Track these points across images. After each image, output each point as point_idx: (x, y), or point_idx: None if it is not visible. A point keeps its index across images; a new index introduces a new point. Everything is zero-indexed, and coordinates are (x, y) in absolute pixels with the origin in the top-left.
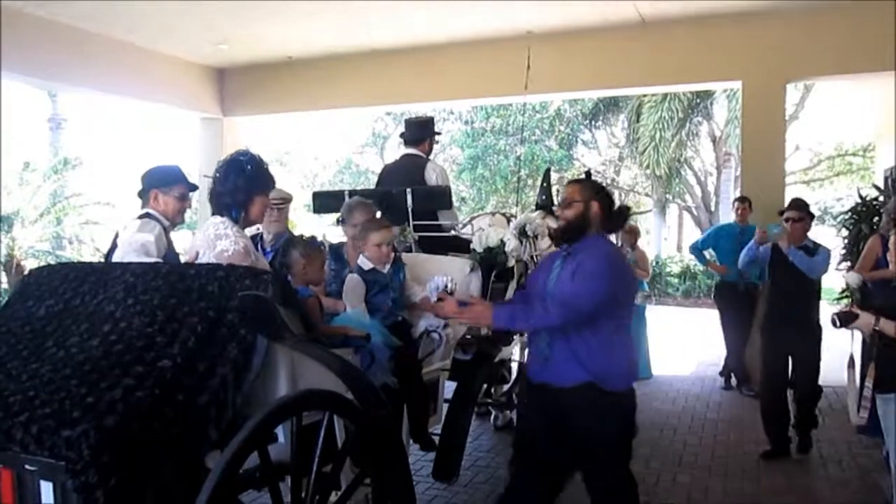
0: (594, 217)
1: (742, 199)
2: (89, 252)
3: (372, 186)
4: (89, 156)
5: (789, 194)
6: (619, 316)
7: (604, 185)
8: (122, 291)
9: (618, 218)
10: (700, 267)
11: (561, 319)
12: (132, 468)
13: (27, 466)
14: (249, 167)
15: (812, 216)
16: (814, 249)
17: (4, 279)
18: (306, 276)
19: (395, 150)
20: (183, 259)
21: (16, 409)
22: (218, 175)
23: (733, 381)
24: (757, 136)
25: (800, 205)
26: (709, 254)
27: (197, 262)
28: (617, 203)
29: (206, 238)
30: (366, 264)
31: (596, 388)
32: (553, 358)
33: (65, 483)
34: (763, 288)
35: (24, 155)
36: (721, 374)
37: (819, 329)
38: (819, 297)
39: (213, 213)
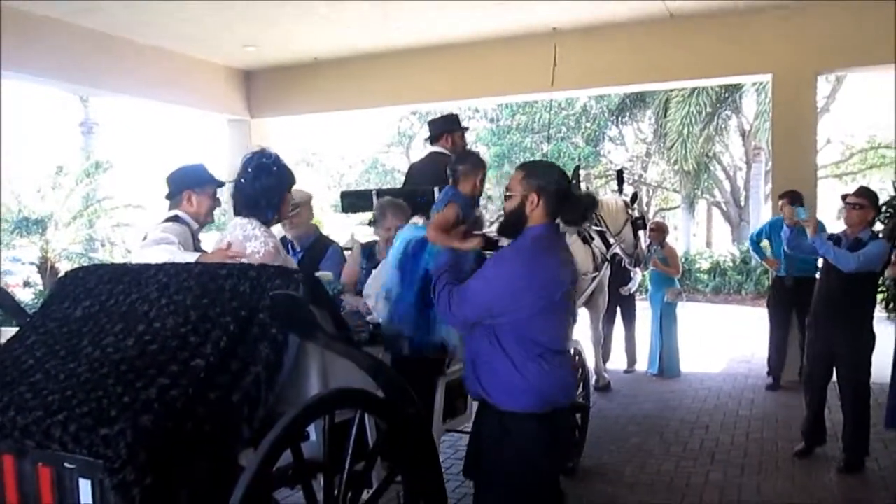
0: (531, 210)
1: (782, 195)
2: (121, 254)
3: (398, 185)
4: (120, 159)
5: (821, 189)
6: (522, 329)
7: (558, 169)
8: (156, 292)
9: (570, 209)
10: (730, 263)
11: (446, 315)
12: (167, 466)
13: (66, 464)
14: (276, 167)
15: (877, 207)
16: (865, 242)
17: (40, 281)
18: None
19: (421, 148)
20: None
21: (54, 408)
22: (244, 179)
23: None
24: (787, 130)
25: (863, 192)
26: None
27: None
28: (583, 192)
29: (235, 238)
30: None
31: (486, 404)
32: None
33: (103, 481)
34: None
35: (56, 159)
36: (768, 373)
37: (868, 326)
38: (873, 294)
39: (238, 214)
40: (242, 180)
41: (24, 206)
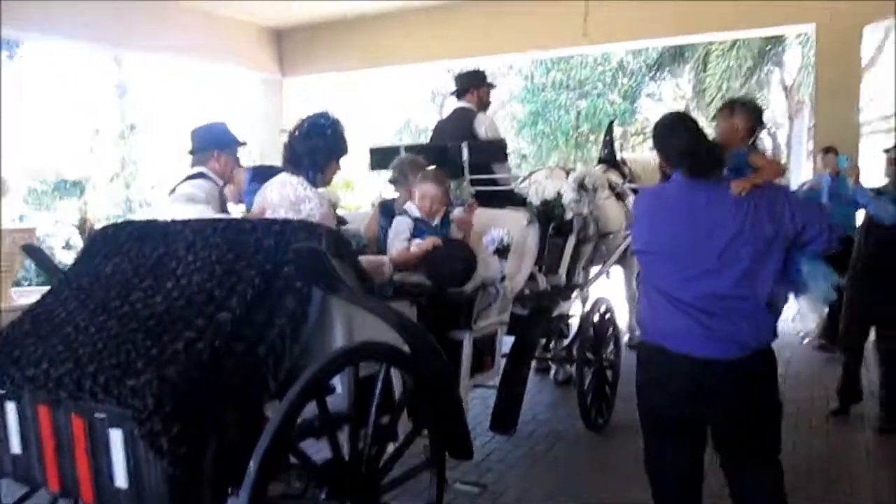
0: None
1: (822, 151)
2: (156, 215)
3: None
4: (154, 120)
5: (865, 145)
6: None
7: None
8: (183, 248)
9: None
10: None
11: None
12: (194, 417)
13: (97, 414)
14: (330, 131)
15: None
16: None
17: (80, 242)
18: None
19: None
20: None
21: (85, 361)
22: (297, 134)
23: None
24: (831, 83)
25: None
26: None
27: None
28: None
29: (284, 197)
30: (414, 211)
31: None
32: None
33: (132, 430)
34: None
35: (93, 122)
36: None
37: None
38: None
39: (285, 168)
40: (296, 133)
41: (62, 169)
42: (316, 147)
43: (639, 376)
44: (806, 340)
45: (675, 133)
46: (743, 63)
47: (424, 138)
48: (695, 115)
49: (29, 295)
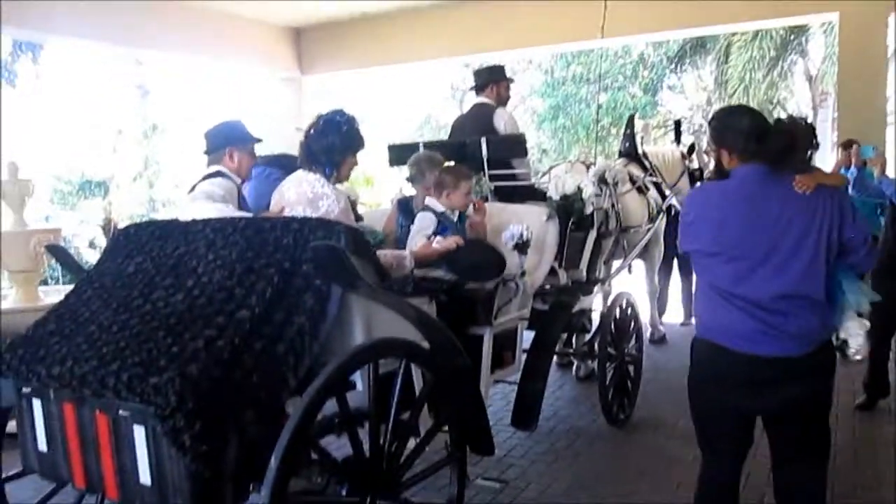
0: (729, 164)
1: (847, 145)
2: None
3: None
4: (176, 120)
5: (891, 136)
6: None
7: (746, 113)
8: (203, 247)
9: (769, 149)
10: None
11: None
12: (216, 414)
13: (121, 412)
14: (346, 127)
15: None
16: None
17: (105, 242)
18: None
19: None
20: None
21: (108, 359)
22: (313, 131)
23: None
24: (855, 73)
25: None
26: None
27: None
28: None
29: (302, 195)
30: (437, 207)
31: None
32: None
33: (155, 427)
34: None
35: (116, 122)
36: None
37: None
38: None
39: (302, 166)
40: (312, 132)
41: (86, 169)
42: (332, 144)
43: (696, 375)
44: (857, 357)
45: (741, 118)
46: (766, 53)
47: (444, 134)
48: (717, 106)
49: (56, 294)
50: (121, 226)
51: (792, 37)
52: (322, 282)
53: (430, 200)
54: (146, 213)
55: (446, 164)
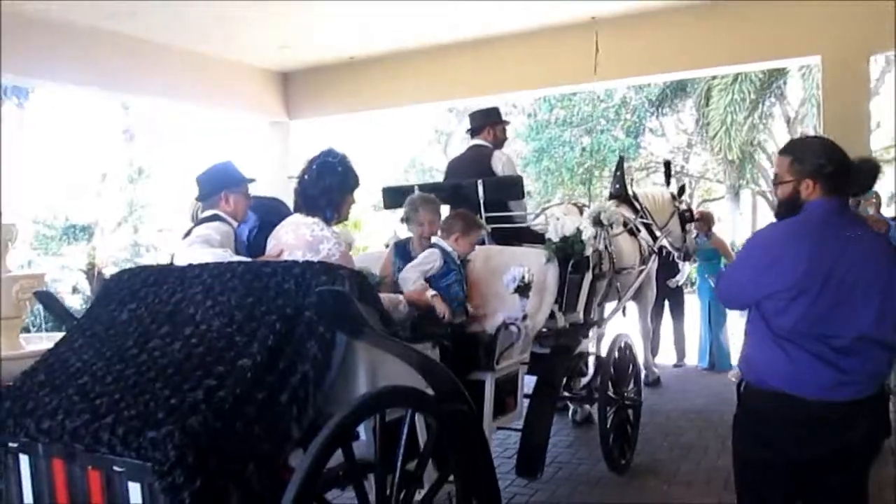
0: (808, 195)
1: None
2: (165, 259)
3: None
4: (161, 165)
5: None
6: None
7: (828, 144)
8: (201, 293)
9: (852, 182)
10: None
11: None
12: (217, 468)
13: (115, 468)
14: (340, 168)
15: None
16: None
17: (88, 287)
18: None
19: (459, 146)
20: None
21: (102, 412)
22: (307, 177)
23: None
24: (839, 114)
25: None
26: None
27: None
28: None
29: (301, 238)
30: (446, 246)
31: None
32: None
33: (152, 484)
34: None
35: (101, 166)
36: None
37: None
38: None
39: (298, 212)
40: (306, 177)
41: (70, 214)
42: (330, 186)
43: (749, 423)
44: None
45: (834, 149)
46: (746, 96)
47: (430, 177)
48: (697, 148)
49: (38, 341)
50: (105, 271)
51: (771, 80)
52: (326, 329)
53: (437, 239)
54: (130, 258)
55: (457, 210)
